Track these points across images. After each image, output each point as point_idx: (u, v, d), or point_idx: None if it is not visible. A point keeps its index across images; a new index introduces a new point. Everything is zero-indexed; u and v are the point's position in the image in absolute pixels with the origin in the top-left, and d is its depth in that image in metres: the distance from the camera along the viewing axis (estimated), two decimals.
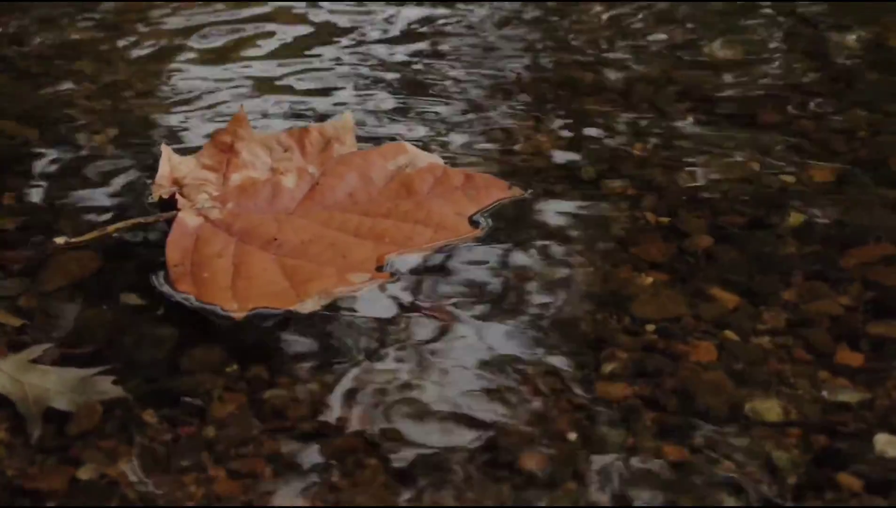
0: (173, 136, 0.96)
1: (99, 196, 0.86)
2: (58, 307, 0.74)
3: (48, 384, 0.66)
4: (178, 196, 0.81)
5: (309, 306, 0.72)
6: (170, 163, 0.85)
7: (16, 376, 0.66)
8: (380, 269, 0.75)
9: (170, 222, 0.79)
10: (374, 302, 0.73)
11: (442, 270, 0.76)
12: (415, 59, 1.11)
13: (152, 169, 0.88)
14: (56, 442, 0.62)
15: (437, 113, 0.98)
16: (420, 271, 0.76)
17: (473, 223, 0.80)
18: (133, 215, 0.82)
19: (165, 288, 0.74)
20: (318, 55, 1.12)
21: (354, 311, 0.72)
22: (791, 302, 0.72)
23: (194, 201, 0.81)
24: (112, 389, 0.66)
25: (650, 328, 0.70)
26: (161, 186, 0.84)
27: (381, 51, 1.13)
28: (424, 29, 1.19)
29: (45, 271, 0.77)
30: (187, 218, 0.79)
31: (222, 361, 0.68)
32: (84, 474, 0.60)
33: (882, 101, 0.97)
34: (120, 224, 0.81)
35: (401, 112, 0.99)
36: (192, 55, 1.13)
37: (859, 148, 0.90)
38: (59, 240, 0.79)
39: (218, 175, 0.84)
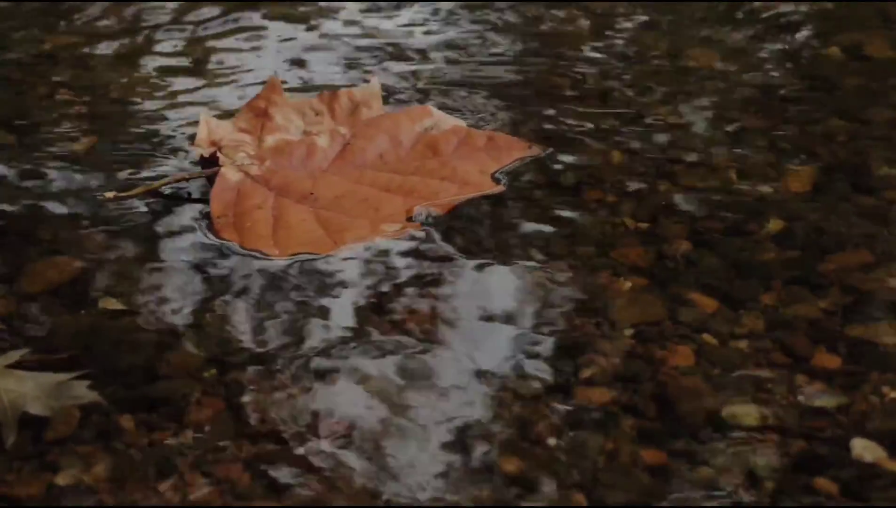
0: (154, 138, 0.96)
1: (79, 201, 0.86)
2: (36, 312, 0.73)
3: (24, 388, 0.66)
4: (219, 154, 0.87)
5: (345, 252, 0.77)
6: (208, 126, 0.90)
7: None
8: (409, 220, 0.81)
9: (211, 178, 0.85)
10: (349, 309, 0.73)
11: (415, 276, 0.76)
12: (393, 60, 1.11)
13: (133, 170, 0.89)
14: (33, 448, 0.62)
15: None
16: (398, 279, 0.76)
17: (495, 180, 0.86)
18: (108, 218, 0.83)
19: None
20: (302, 59, 1.12)
21: (335, 313, 0.72)
22: (770, 306, 0.72)
23: (233, 160, 0.86)
24: (89, 394, 0.65)
25: (629, 332, 0.70)
26: (200, 147, 0.89)
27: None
28: (402, 30, 1.19)
29: (23, 275, 0.77)
30: (229, 173, 0.85)
31: (200, 366, 0.68)
32: (62, 480, 0.60)
33: (860, 109, 0.98)
34: (166, 180, 0.87)
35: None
36: (171, 60, 1.13)
37: (837, 155, 0.90)
38: (109, 194, 0.85)
39: (253, 137, 0.89)
